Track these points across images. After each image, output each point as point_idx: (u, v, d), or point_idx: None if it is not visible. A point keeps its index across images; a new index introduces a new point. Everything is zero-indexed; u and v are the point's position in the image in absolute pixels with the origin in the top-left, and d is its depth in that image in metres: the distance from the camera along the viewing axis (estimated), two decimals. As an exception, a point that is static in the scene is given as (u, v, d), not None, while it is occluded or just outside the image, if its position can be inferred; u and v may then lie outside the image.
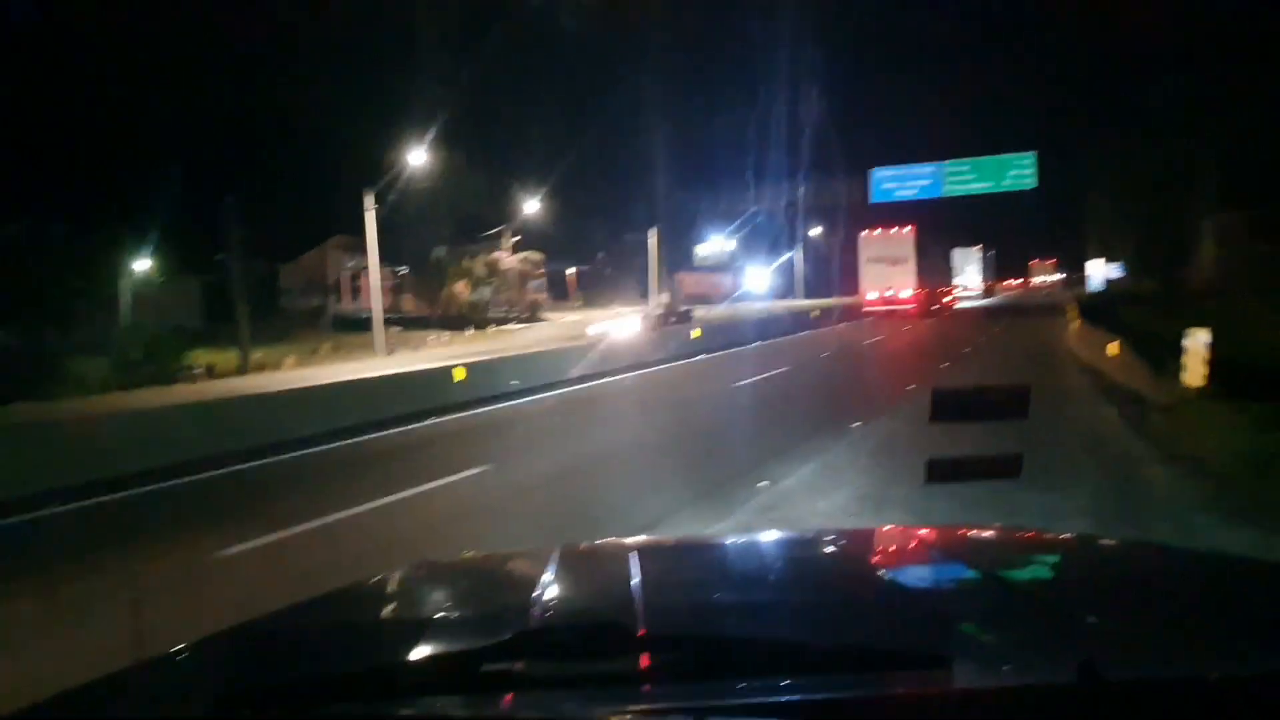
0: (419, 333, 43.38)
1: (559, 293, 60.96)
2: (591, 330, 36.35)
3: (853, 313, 43.36)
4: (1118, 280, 55.32)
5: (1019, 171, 52.56)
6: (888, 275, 45.11)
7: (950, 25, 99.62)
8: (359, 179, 33.72)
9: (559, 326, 45.94)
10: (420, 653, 1.40)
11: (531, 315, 52.36)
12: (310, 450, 12.04)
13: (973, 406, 3.39)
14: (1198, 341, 11.55)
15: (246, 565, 6.79)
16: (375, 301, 34.32)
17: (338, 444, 12.38)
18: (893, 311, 42.71)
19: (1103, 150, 52.43)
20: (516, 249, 51.90)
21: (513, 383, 17.29)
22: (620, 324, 37.47)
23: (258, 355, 33.86)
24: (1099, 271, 53.84)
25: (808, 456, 9.69)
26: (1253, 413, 9.56)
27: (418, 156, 34.64)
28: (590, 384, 18.74)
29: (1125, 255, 57.81)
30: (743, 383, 18.13)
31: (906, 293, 44.59)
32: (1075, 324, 25.69)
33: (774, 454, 9.84)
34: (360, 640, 1.64)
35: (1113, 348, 16.29)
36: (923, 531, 2.64)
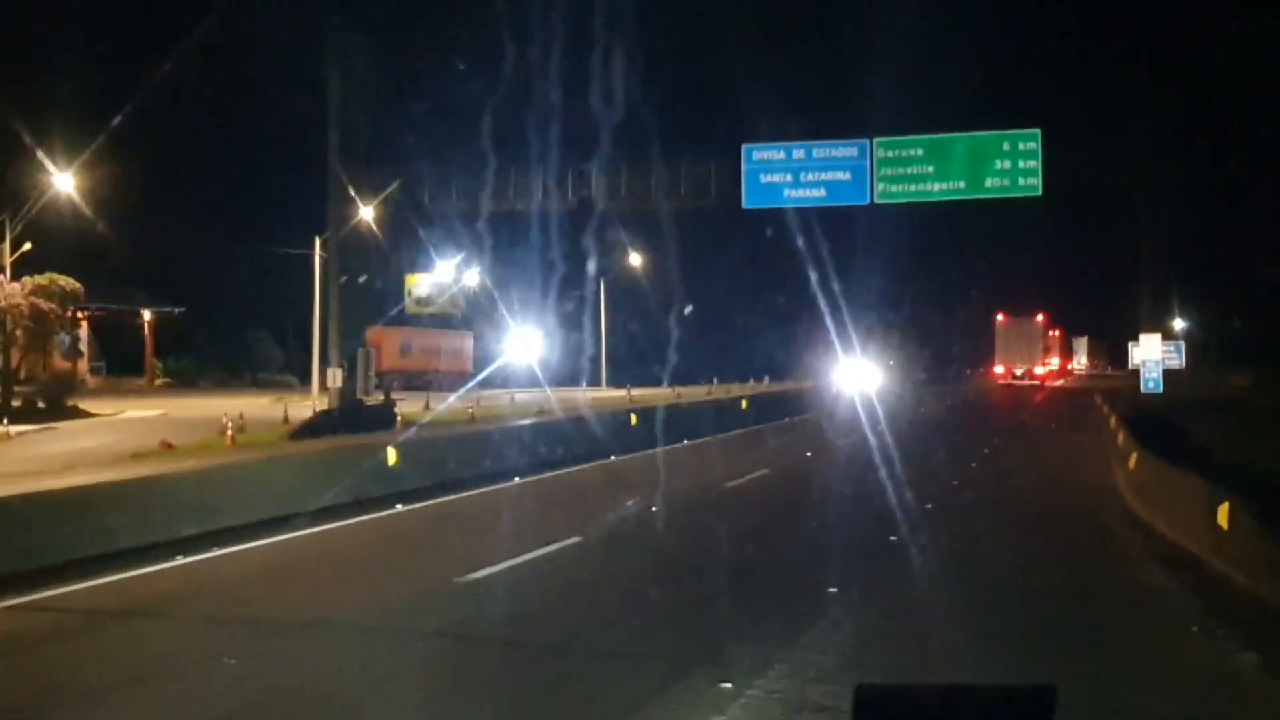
0: None
1: (127, 357, 33.42)
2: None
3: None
4: (1174, 370, 31.12)
5: (1010, 163, 28.21)
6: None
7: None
8: None
9: (111, 431, 21.65)
10: None
11: (55, 404, 26.47)
12: None
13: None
14: None
15: None
16: None
17: None
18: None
19: (1159, 137, 27.84)
20: (19, 272, 25.93)
21: None
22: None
23: None
24: (1153, 353, 29.19)
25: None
26: None
27: None
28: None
29: (1194, 321, 33.36)
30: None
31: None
32: (1132, 459, 14.51)
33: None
34: None
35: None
36: None
